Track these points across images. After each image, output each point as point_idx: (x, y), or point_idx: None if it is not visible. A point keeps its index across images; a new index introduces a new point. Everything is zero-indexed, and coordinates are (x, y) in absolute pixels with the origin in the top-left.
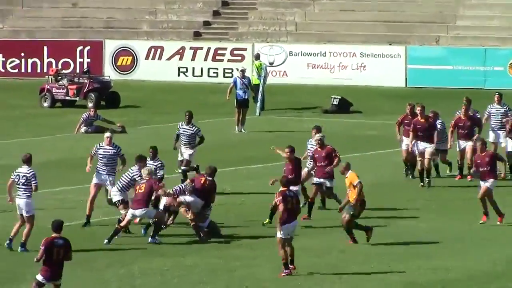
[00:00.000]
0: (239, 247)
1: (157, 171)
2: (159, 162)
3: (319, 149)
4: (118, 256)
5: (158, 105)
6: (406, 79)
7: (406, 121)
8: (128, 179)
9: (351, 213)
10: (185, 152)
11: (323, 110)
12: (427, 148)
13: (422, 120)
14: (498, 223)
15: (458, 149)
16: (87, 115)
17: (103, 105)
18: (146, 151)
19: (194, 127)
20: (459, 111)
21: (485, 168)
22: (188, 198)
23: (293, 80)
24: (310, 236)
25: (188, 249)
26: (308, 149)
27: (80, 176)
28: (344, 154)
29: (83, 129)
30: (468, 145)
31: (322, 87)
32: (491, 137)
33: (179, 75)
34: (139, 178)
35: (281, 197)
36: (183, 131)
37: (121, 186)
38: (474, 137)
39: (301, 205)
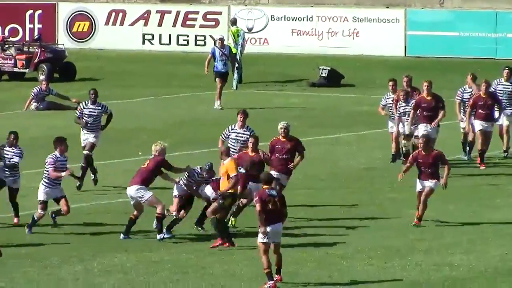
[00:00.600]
0: (213, 241)
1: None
2: (18, 149)
3: (282, 140)
4: (75, 251)
5: (120, 78)
6: (405, 47)
7: (424, 105)
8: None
9: (220, 202)
10: (90, 135)
11: (309, 83)
12: (430, 132)
13: (429, 98)
14: (413, 224)
15: (476, 130)
16: (38, 89)
17: (56, 78)
18: (106, 130)
19: (101, 106)
20: (464, 87)
21: (428, 169)
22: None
23: (275, 48)
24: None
25: (155, 243)
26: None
27: (32, 160)
28: (334, 134)
29: (33, 105)
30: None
31: (309, 56)
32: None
33: (144, 43)
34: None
35: (258, 197)
36: (89, 111)
37: None
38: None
39: None
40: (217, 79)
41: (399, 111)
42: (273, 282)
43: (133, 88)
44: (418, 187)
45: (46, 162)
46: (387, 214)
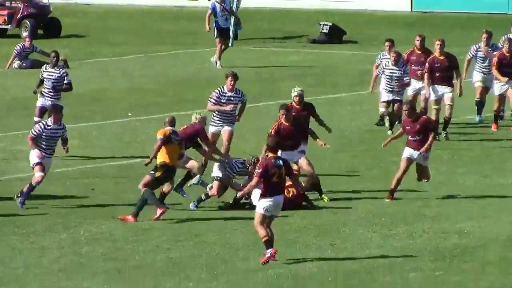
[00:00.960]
0: (208, 209)
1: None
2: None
3: (297, 107)
4: (60, 218)
5: (108, 34)
6: (411, 1)
7: (413, 58)
8: None
9: (151, 173)
10: (48, 100)
11: (310, 40)
12: (447, 93)
13: (442, 58)
14: (387, 200)
15: (496, 93)
16: (21, 46)
17: (40, 35)
18: (92, 90)
19: (61, 70)
20: (479, 45)
21: (416, 137)
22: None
23: (274, 3)
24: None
25: (146, 210)
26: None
27: (14, 121)
28: (335, 94)
29: (16, 63)
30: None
31: (309, 11)
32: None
33: None
34: None
35: (260, 170)
36: (48, 75)
37: None
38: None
39: None
40: (218, 35)
41: (385, 73)
42: (272, 249)
43: (122, 45)
44: (405, 153)
45: (33, 128)
46: (392, 179)
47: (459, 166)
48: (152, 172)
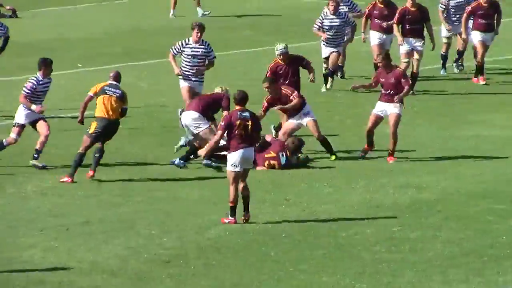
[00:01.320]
0: (160, 164)
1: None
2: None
3: (282, 63)
4: (8, 172)
5: None
6: None
7: (375, 12)
8: None
9: (87, 131)
10: None
11: None
12: (419, 46)
13: (414, 9)
14: (391, 161)
15: (474, 42)
16: None
17: None
18: (41, 40)
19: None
20: None
21: (391, 91)
22: None
23: None
24: None
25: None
26: None
27: None
28: (295, 43)
29: None
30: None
31: None
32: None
33: None
34: None
35: (223, 123)
36: None
37: None
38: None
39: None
40: None
41: (323, 24)
42: (233, 218)
43: None
44: (377, 108)
45: (25, 85)
46: (348, 131)
47: (418, 118)
48: (87, 130)
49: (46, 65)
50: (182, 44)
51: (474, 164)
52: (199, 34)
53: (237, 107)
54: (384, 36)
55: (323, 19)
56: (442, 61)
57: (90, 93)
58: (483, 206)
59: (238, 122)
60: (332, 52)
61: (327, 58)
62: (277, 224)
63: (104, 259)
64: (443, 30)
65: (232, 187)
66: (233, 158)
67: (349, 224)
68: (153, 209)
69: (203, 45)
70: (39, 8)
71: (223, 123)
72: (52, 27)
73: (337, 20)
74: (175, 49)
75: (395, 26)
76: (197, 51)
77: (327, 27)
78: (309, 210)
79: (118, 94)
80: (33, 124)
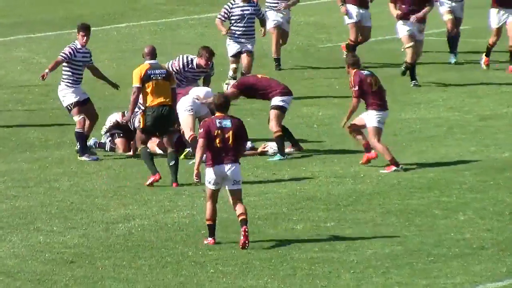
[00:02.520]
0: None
1: None
2: None
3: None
4: None
5: None
6: None
7: None
8: None
9: (137, 125)
10: None
11: None
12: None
13: None
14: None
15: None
16: None
17: None
18: None
19: None
20: None
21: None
22: None
23: None
24: None
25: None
26: None
27: None
28: (207, 13)
29: None
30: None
31: None
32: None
33: None
34: None
35: (202, 130)
36: None
37: None
38: None
39: None
40: None
41: (231, 14)
42: (211, 239)
43: None
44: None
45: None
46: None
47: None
48: (137, 124)
49: (84, 30)
50: (229, 7)
51: (418, 150)
52: None
53: (217, 114)
54: (362, 11)
55: (231, 8)
56: (448, 44)
57: (137, 84)
58: (428, 199)
59: (216, 132)
60: (244, 51)
61: (235, 57)
62: (196, 219)
63: (0, 259)
64: (442, 7)
65: (208, 203)
66: (209, 174)
67: (276, 220)
68: (55, 201)
69: (251, 3)
70: None
71: (202, 131)
72: None
73: (249, 8)
74: (223, 14)
75: (392, 7)
76: (247, 10)
77: (236, 17)
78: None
79: (164, 75)
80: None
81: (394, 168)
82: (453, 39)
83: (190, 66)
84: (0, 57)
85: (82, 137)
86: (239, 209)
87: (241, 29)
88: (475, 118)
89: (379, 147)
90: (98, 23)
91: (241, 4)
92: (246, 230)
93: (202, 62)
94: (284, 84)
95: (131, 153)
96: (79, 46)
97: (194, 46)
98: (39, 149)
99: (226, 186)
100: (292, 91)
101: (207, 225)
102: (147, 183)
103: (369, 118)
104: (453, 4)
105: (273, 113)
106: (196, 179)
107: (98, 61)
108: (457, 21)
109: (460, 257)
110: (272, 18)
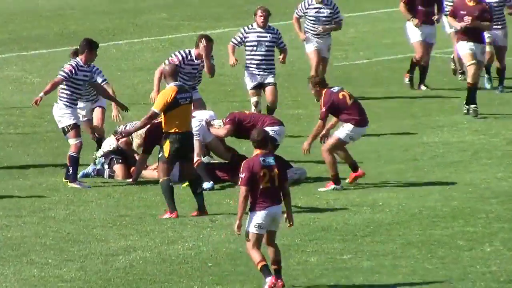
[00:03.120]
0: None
1: None
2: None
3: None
4: None
5: None
6: None
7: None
8: None
9: (160, 155)
10: None
11: None
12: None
13: (472, 3)
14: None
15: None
16: None
17: None
18: None
19: None
20: None
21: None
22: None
23: None
24: None
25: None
26: None
27: None
28: (217, 29)
29: None
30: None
31: None
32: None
33: None
34: None
35: (244, 174)
36: None
37: None
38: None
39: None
40: None
41: (246, 40)
42: (272, 276)
43: None
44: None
45: (62, 68)
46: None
47: (373, 122)
48: (160, 154)
49: (89, 47)
50: (244, 32)
51: (441, 177)
52: (264, 16)
53: (258, 151)
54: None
55: (246, 32)
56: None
57: (157, 110)
58: (452, 229)
59: (262, 172)
60: (266, 84)
61: (255, 89)
62: (201, 251)
63: None
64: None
65: (254, 250)
66: (257, 219)
67: (289, 251)
68: (50, 232)
69: (272, 30)
70: None
71: (243, 175)
72: None
73: (267, 35)
74: (238, 38)
75: (449, 20)
76: (264, 37)
77: (252, 44)
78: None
79: (190, 98)
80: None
81: (333, 186)
82: (498, 71)
83: (189, 58)
84: None
85: (75, 162)
86: (274, 252)
87: (258, 57)
88: (502, 142)
89: (327, 158)
90: (96, 40)
91: (259, 29)
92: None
93: (202, 50)
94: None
95: (131, 180)
96: (81, 64)
97: None
98: (32, 175)
99: (268, 229)
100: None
101: (262, 266)
102: (163, 217)
103: (341, 129)
104: (494, 32)
105: None
106: (238, 232)
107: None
108: (501, 50)
109: None
110: (311, 42)
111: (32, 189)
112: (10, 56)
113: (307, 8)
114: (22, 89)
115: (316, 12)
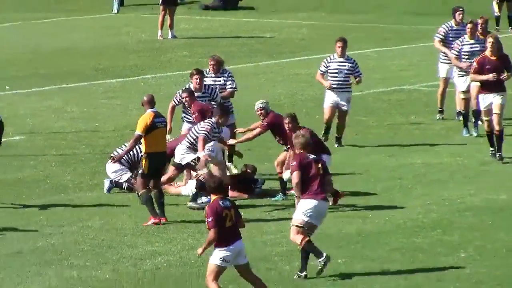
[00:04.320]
0: (91, 192)
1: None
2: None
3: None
4: None
5: None
6: None
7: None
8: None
9: (139, 172)
10: None
11: (202, 6)
12: (498, 99)
13: (494, 58)
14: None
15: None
16: None
17: None
18: None
19: None
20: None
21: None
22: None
23: None
24: None
25: (32, 193)
26: None
27: None
28: (231, 65)
29: None
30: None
31: None
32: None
33: None
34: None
35: (211, 212)
36: None
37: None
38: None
39: None
40: (162, 4)
41: (330, 67)
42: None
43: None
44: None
45: (201, 126)
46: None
47: (363, 145)
48: (140, 171)
49: (224, 113)
50: (327, 61)
51: (422, 193)
52: (341, 48)
53: (215, 196)
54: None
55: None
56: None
57: (139, 132)
58: (431, 238)
59: (224, 213)
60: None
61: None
62: None
63: None
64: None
65: (213, 283)
66: (224, 253)
67: (292, 256)
68: (87, 239)
69: (349, 60)
70: None
71: (210, 219)
72: None
73: (346, 64)
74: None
75: (473, 76)
76: (343, 66)
77: (334, 73)
78: (249, 240)
79: (165, 122)
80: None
81: (152, 220)
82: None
83: (331, 58)
84: (37, 106)
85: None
86: (257, 282)
87: (336, 84)
88: (475, 164)
89: None
90: (126, 74)
91: (337, 59)
92: None
93: (194, 84)
94: None
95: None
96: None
97: None
98: (72, 191)
99: (238, 262)
100: None
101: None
102: (148, 223)
103: None
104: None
105: (286, 155)
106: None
107: (127, 110)
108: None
109: None
110: (329, 96)
111: (72, 203)
112: (52, 88)
113: (329, 62)
114: (63, 116)
115: (338, 65)
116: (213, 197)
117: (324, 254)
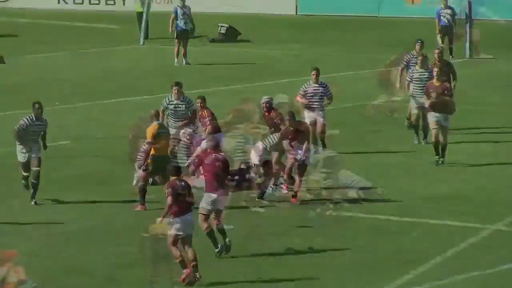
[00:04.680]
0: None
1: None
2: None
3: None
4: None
5: (36, 33)
6: (296, 6)
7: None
8: None
9: (144, 169)
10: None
11: (209, 39)
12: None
13: (437, 84)
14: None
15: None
16: None
17: None
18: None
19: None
20: (412, 52)
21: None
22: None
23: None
24: None
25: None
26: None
27: None
28: (230, 85)
29: None
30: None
31: (210, 15)
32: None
33: (59, 2)
34: None
35: (170, 189)
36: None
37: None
38: None
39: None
40: (177, 36)
41: (308, 92)
42: (187, 269)
43: (50, 44)
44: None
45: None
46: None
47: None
48: (144, 168)
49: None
50: (305, 86)
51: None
52: (315, 76)
53: (174, 178)
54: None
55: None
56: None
57: (149, 140)
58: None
59: (181, 191)
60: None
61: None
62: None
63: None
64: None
65: (174, 248)
66: (178, 223)
67: (277, 235)
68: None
69: (321, 85)
70: (21, 55)
71: (169, 190)
72: (29, 70)
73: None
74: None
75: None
76: (318, 90)
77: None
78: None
79: (167, 132)
80: None
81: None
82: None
83: (169, 102)
84: (80, 118)
85: None
86: (192, 253)
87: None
88: (425, 162)
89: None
90: (151, 92)
91: (313, 85)
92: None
93: (174, 93)
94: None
95: None
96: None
97: (222, 108)
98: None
99: (187, 232)
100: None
101: (179, 261)
102: (136, 209)
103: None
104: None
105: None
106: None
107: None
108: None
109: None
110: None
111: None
112: (95, 103)
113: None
114: (101, 125)
115: (313, 90)
116: (172, 178)
117: (219, 245)
